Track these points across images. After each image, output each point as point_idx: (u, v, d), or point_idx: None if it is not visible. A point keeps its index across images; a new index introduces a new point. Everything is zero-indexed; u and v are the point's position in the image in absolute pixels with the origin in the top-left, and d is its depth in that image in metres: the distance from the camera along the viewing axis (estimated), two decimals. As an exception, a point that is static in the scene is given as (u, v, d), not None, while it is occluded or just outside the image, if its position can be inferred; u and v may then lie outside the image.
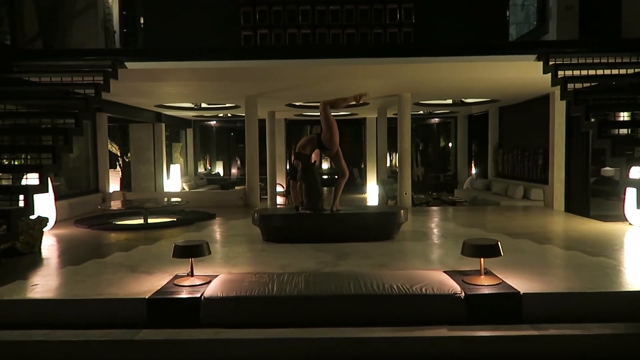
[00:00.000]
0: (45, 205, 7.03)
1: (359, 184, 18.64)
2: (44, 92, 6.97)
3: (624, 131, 6.48)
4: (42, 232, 6.31)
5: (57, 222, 7.86)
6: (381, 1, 10.30)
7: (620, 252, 5.76)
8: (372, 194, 15.44)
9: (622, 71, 6.82)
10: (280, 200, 14.68)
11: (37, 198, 5.72)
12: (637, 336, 3.70)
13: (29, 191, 5.32)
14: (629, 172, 5.90)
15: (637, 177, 5.85)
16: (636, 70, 6.93)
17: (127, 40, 10.20)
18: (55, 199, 7.65)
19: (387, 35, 10.31)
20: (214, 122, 18.18)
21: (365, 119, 16.93)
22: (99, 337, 3.75)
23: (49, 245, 6.56)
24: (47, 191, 5.74)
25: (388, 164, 16.53)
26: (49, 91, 6.93)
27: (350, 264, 5.19)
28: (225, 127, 19.40)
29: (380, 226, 6.55)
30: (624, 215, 7.21)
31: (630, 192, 6.85)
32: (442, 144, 19.67)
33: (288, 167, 17.04)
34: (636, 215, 7.02)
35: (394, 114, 12.70)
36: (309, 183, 6.50)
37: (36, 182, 5.53)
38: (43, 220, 6.33)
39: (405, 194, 10.33)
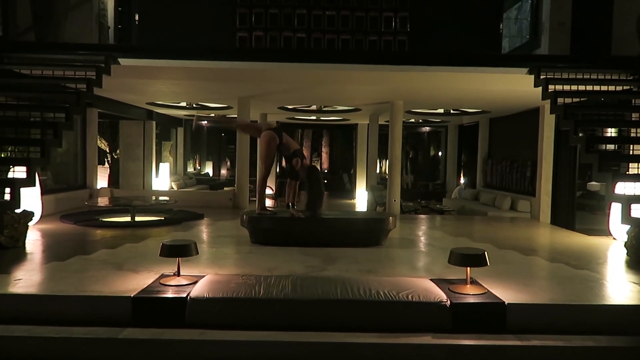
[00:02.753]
0: (31, 199, 6.94)
1: (348, 190, 18.68)
2: (34, 84, 6.91)
3: (611, 147, 6.59)
4: (27, 226, 6.23)
5: (43, 217, 7.77)
6: (377, 9, 10.38)
7: (604, 266, 5.83)
8: (361, 200, 15.49)
9: (611, 88, 6.93)
10: (269, 202, 14.64)
11: (24, 192, 5.65)
12: (619, 349, 3.75)
13: (16, 184, 5.25)
14: (614, 187, 5.99)
15: (623, 193, 5.95)
16: (625, 87, 7.05)
17: (122, 36, 10.15)
18: (42, 194, 7.56)
19: (381, 42, 10.37)
20: (205, 122, 18.10)
21: (357, 124, 16.99)
22: (82, 335, 3.71)
23: (33, 240, 6.48)
24: (34, 185, 5.68)
25: (378, 171, 16.59)
26: (40, 84, 6.87)
27: (337, 268, 5.20)
28: (216, 128, 19.33)
29: (368, 232, 6.57)
30: (609, 229, 7.30)
31: (616, 207, 6.94)
32: (432, 152, 19.81)
33: (278, 169, 17.03)
34: (620, 230, 7.11)
35: (385, 121, 12.77)
36: (313, 187, 6.43)
37: (23, 175, 5.46)
38: (28, 215, 6.25)
39: (395, 201, 10.37)
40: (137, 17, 10.51)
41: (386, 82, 8.47)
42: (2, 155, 6.49)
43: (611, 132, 8.02)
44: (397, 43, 10.38)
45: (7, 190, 5.26)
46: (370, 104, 11.30)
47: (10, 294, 4.14)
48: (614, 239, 7.22)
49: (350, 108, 12.59)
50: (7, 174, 5.77)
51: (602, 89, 6.91)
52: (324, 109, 13.21)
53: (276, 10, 10.39)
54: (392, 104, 10.35)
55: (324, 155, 21.73)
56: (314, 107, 13.04)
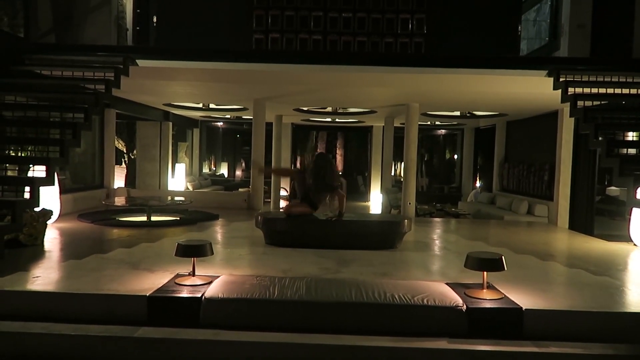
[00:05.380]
0: (50, 198, 7.05)
1: (362, 192, 18.62)
2: (54, 85, 7.02)
3: (632, 151, 6.46)
4: (46, 224, 6.32)
5: (61, 216, 7.88)
6: (393, 11, 10.33)
7: (624, 272, 5.72)
8: (375, 203, 15.42)
9: (633, 91, 6.80)
10: (283, 204, 14.66)
11: (43, 191, 5.74)
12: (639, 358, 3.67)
13: (35, 183, 5.33)
14: (635, 192, 5.87)
15: (644, 198, 5.83)
16: (646, 90, 6.91)
17: (140, 38, 10.25)
18: (60, 193, 7.67)
19: (398, 44, 10.32)
20: (221, 123, 18.24)
21: (372, 127, 16.94)
22: (98, 333, 3.75)
23: (51, 238, 6.57)
24: (53, 184, 5.77)
25: (393, 174, 16.51)
26: (60, 85, 6.97)
27: (352, 271, 5.17)
28: (231, 129, 19.45)
29: (383, 235, 6.53)
30: (629, 235, 7.16)
31: (637, 213, 6.81)
32: (447, 155, 19.65)
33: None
34: (641, 236, 6.97)
35: (401, 124, 12.72)
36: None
37: (43, 174, 5.55)
38: (47, 213, 6.34)
39: (409, 203, 10.30)
40: (155, 19, 10.62)
41: (402, 84, 8.42)
42: (23, 155, 6.61)
43: (632, 135, 7.86)
44: (414, 45, 10.31)
45: (27, 188, 5.34)
46: (386, 106, 11.25)
47: (28, 291, 4.20)
48: (635, 245, 7.08)
49: (365, 110, 12.56)
50: (27, 173, 5.87)
51: (623, 92, 6.78)
52: (339, 111, 13.20)
53: (292, 12, 10.41)
54: (407, 107, 10.29)
55: (339, 158, 21.70)
56: (329, 109, 13.03)
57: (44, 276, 4.64)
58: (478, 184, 16.03)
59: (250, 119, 11.18)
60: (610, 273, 5.43)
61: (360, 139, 20.40)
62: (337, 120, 15.77)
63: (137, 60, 7.19)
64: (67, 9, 8.65)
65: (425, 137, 18.82)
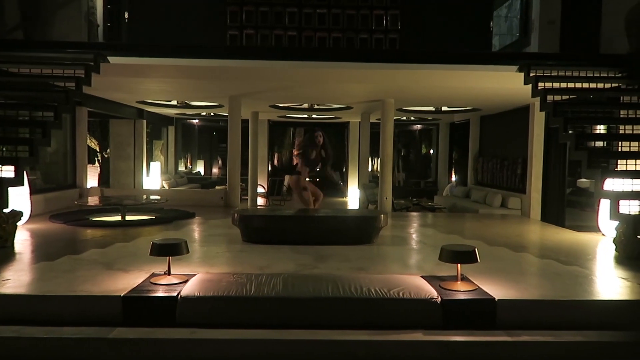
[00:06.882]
0: (20, 198, 6.86)
1: (340, 188, 18.68)
2: (22, 83, 6.84)
3: (600, 144, 6.65)
4: (16, 226, 6.15)
5: (32, 217, 7.69)
6: (368, 7, 10.39)
7: (593, 261, 5.88)
8: (353, 198, 15.50)
9: (600, 85, 7.00)
10: (260, 201, 14.62)
11: (12, 191, 5.60)
12: (608, 344, 3.79)
13: (4, 184, 5.22)
14: (603, 184, 6.05)
15: (611, 189, 6.00)
16: (613, 84, 7.12)
17: (111, 34, 10.06)
18: (31, 193, 7.49)
19: (372, 40, 10.39)
20: (197, 120, 18.04)
21: (348, 122, 17.00)
22: (72, 335, 3.68)
23: (22, 240, 6.41)
24: (23, 184, 5.64)
25: (370, 169, 16.62)
26: (28, 83, 6.80)
27: (329, 266, 5.20)
28: (207, 126, 19.27)
29: (360, 230, 6.57)
30: (598, 226, 7.36)
31: (604, 204, 7.00)
32: (423, 150, 19.87)
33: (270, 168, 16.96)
34: (609, 227, 7.17)
35: (377, 119, 12.79)
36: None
37: (11, 174, 5.42)
38: (17, 214, 6.17)
39: (386, 198, 10.39)
40: (126, 15, 10.43)
41: (377, 80, 8.48)
42: (-10, 155, 6.43)
43: (600, 129, 8.08)
44: (388, 41, 10.40)
45: (-5, 189, 5.21)
46: (362, 102, 11.31)
47: (-2, 294, 4.10)
48: (603, 235, 7.29)
49: (341, 106, 12.59)
50: (-5, 174, 5.72)
51: (591, 87, 6.97)
52: (316, 107, 13.21)
53: (267, 8, 10.37)
54: (383, 102, 10.37)
55: (316, 154, 21.70)
56: (305, 106, 13.03)
57: (15, 279, 4.53)
58: (453, 178, 16.27)
59: (226, 116, 11.10)
60: (580, 263, 5.58)
61: (337, 135, 20.46)
62: (313, 116, 15.78)
63: (108, 57, 7.06)
64: (34, 5, 8.42)
65: (401, 133, 19.00)
